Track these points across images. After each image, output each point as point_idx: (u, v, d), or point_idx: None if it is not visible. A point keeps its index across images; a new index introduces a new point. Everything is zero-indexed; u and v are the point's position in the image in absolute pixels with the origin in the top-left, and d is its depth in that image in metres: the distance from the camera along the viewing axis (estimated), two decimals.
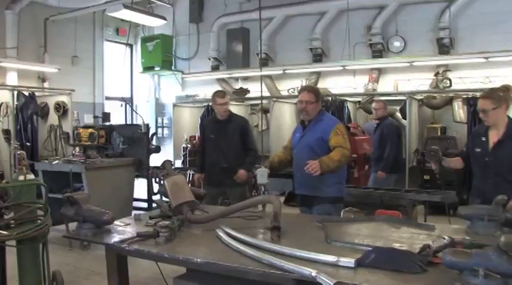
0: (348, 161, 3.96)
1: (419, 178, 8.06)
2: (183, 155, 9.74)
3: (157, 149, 6.96)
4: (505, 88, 3.51)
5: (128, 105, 12.36)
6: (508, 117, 3.49)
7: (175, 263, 2.71)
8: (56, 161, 6.22)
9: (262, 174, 3.94)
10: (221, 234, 2.89)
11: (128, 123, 12.53)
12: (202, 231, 3.13)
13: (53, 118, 9.64)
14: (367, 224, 3.18)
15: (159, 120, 13.42)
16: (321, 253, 2.37)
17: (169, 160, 4.53)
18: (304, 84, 10.65)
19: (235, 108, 11.65)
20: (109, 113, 8.02)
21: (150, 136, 7.02)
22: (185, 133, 10.32)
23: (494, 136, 3.50)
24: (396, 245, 2.56)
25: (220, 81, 12.10)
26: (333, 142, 3.81)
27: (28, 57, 10.38)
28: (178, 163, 10.16)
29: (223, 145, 5.17)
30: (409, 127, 8.45)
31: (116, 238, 2.98)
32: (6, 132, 8.69)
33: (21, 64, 9.98)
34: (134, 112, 13.34)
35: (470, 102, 8.03)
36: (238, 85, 11.65)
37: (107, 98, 12.81)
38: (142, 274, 4.72)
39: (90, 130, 6.88)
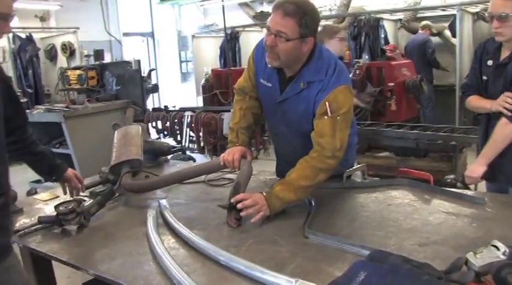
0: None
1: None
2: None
3: (154, 89, 6.00)
4: None
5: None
6: None
7: None
8: (36, 111, 5.36)
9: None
10: (151, 220, 1.93)
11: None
12: (140, 207, 2.21)
13: (62, 60, 8.84)
14: (380, 194, 2.11)
15: (183, 54, 12.39)
16: (274, 269, 1.37)
17: (133, 107, 3.63)
18: (335, 3, 9.17)
19: (259, 35, 10.44)
20: (102, 50, 6.99)
21: (148, 72, 6.08)
22: (205, 67, 9.29)
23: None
24: (414, 250, 1.49)
25: (243, 5, 10.74)
26: (314, 130, 1.95)
27: None
28: (200, 101, 9.19)
29: None
30: (460, 47, 6.95)
31: (16, 224, 2.10)
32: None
33: (18, 3, 8.99)
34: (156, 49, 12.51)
35: None
36: (263, 9, 10.27)
37: (125, 34, 11.77)
38: None
39: (78, 71, 5.96)
